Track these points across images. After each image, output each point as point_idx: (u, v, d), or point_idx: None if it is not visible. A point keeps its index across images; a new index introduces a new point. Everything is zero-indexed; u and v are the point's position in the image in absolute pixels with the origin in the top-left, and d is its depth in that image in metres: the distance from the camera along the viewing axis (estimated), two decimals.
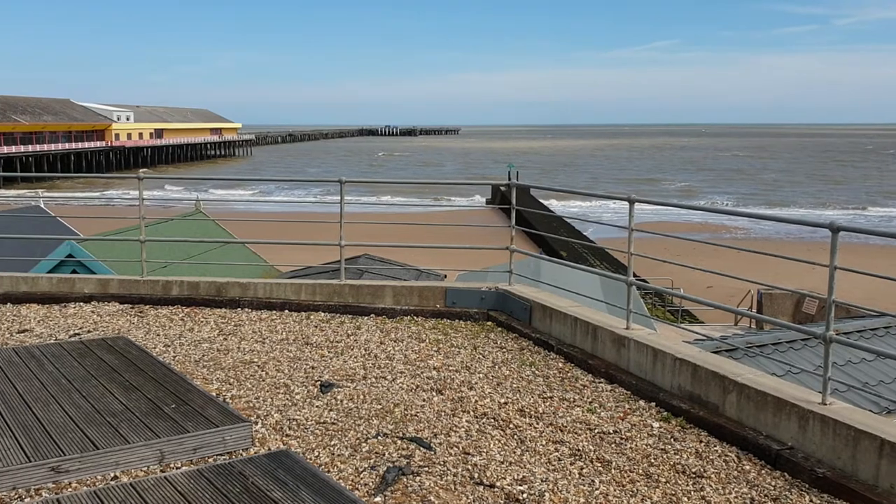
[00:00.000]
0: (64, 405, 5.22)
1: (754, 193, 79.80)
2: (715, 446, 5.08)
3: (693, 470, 4.71)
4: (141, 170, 10.07)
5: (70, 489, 4.25)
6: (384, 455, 4.83)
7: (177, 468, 4.54)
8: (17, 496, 4.19)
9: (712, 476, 4.64)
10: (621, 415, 5.63)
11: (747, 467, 4.76)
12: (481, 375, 6.47)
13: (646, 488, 4.48)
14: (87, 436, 4.69)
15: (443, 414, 5.57)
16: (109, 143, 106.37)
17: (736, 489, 4.47)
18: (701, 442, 5.15)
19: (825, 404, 4.76)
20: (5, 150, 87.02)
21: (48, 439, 4.64)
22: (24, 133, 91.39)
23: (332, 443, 5.03)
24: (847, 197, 77.31)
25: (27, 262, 12.47)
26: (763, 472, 4.71)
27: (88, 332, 7.76)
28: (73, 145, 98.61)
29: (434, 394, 6.00)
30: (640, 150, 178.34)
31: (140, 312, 8.59)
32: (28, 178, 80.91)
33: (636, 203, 6.60)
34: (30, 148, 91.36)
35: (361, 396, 5.91)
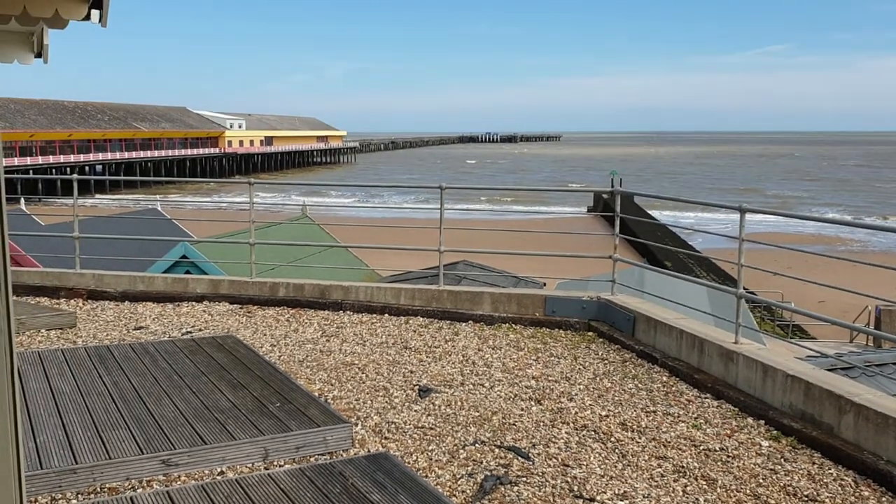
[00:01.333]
0: (175, 400, 5.43)
1: (869, 206, 75.44)
2: (829, 469, 4.81)
3: (805, 493, 4.48)
4: (251, 176, 10.40)
5: (179, 482, 4.40)
6: (482, 463, 4.80)
7: (280, 466, 4.64)
8: (129, 486, 4.37)
9: (826, 501, 4.40)
10: (728, 432, 5.41)
11: (866, 493, 4.49)
12: (582, 387, 6.35)
13: None
14: (196, 431, 4.86)
15: (542, 424, 5.49)
16: (222, 150, 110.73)
17: None
18: (814, 464, 4.89)
19: None
20: (126, 155, 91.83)
21: (160, 433, 4.83)
22: (143, 139, 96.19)
23: (430, 448, 5.04)
24: None
25: (144, 261, 13.10)
26: (884, 499, 4.43)
27: (200, 330, 8.05)
28: (189, 151, 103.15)
29: (533, 403, 5.93)
30: (742, 157, 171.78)
31: (248, 312, 8.86)
32: (147, 182, 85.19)
33: (747, 213, 6.35)
34: (148, 154, 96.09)
35: (459, 403, 5.90)
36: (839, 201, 77.66)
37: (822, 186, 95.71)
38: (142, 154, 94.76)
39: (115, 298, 9.45)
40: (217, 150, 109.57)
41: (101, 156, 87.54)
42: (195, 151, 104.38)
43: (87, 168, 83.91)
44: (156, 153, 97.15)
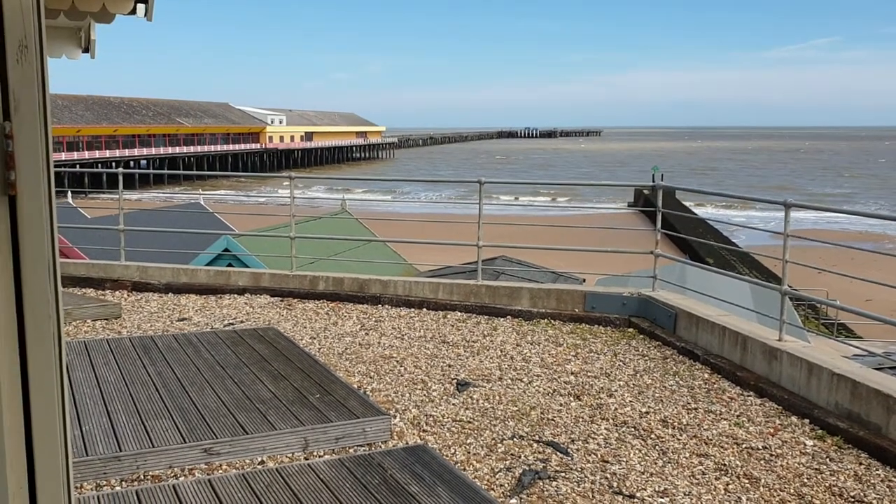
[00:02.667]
0: (217, 390, 5.50)
1: None
2: (877, 470, 4.71)
3: (852, 494, 4.39)
4: (291, 171, 10.48)
5: (220, 471, 4.46)
6: (520, 457, 4.79)
7: (319, 456, 4.68)
8: (172, 474, 4.44)
9: (873, 501, 4.30)
10: (771, 430, 5.32)
11: None
12: (622, 383, 6.30)
13: None
14: (237, 420, 4.92)
15: (580, 420, 5.46)
16: (263, 146, 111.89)
17: None
18: (861, 464, 4.79)
19: None
20: (170, 150, 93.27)
21: (202, 422, 4.90)
22: (186, 135, 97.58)
23: (468, 441, 5.03)
24: None
25: (187, 254, 13.30)
26: None
27: (241, 322, 8.15)
28: (231, 147, 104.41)
29: (572, 399, 5.90)
30: (778, 153, 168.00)
31: (289, 305, 8.95)
32: (189, 176, 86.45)
33: (792, 208, 6.23)
34: (192, 149, 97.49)
35: (497, 397, 5.89)
36: (882, 200, 75.41)
37: (864, 184, 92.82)
38: (185, 149, 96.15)
39: (159, 290, 9.60)
40: (258, 146, 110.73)
41: (145, 151, 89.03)
42: (237, 147, 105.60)
43: (131, 163, 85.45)
44: (198, 148, 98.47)
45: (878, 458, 4.85)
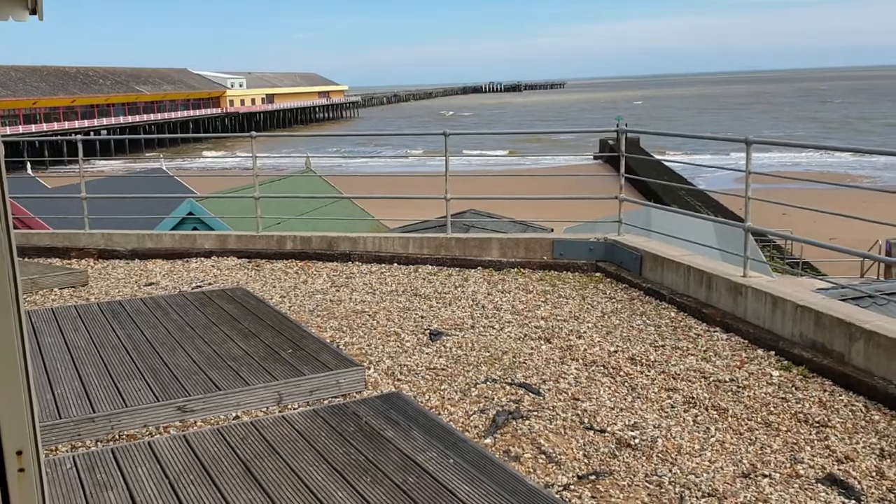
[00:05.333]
0: (188, 350, 5.48)
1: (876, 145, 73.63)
2: (840, 396, 4.84)
3: (816, 419, 4.51)
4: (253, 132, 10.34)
5: (195, 427, 4.47)
6: (493, 399, 4.85)
7: (294, 409, 4.70)
8: (147, 433, 4.44)
9: (837, 426, 4.43)
10: (738, 363, 5.44)
11: (876, 417, 4.52)
12: (590, 325, 6.38)
13: (765, 437, 4.33)
14: (210, 378, 4.92)
15: (551, 361, 5.53)
16: (224, 110, 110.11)
17: (864, 439, 4.26)
18: (825, 391, 4.92)
19: None
20: (130, 119, 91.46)
21: (174, 381, 4.89)
22: (146, 103, 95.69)
23: (443, 387, 5.09)
24: None
25: (152, 219, 13.13)
26: (894, 422, 4.46)
27: (209, 284, 8.10)
28: (191, 113, 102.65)
29: (542, 342, 5.97)
30: (740, 97, 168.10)
31: (257, 266, 8.90)
32: (151, 144, 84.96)
33: (753, 145, 6.29)
34: (151, 116, 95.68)
35: (470, 344, 5.94)
36: (842, 138, 75.61)
37: (825, 127, 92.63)
38: (145, 117, 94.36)
39: (125, 257, 9.49)
40: (219, 111, 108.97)
41: (104, 121, 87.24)
42: (197, 112, 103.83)
43: (91, 133, 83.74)
44: (159, 116, 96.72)
45: (841, 385, 4.98)
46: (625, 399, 4.86)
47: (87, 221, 9.82)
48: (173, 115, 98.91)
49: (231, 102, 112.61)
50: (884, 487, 3.77)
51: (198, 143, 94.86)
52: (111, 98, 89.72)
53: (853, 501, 3.65)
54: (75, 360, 5.30)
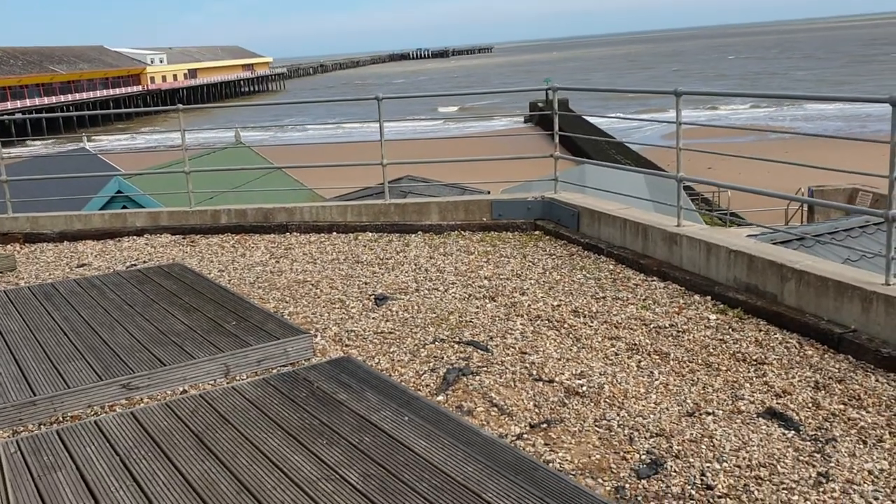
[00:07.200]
0: (128, 328, 5.37)
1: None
2: (775, 334, 5.03)
3: (754, 358, 4.68)
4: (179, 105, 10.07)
5: (142, 404, 4.39)
6: (443, 358, 4.89)
7: (243, 380, 4.65)
8: (92, 413, 4.35)
9: (774, 363, 4.61)
10: (676, 310, 5.60)
11: (810, 352, 4.72)
12: (532, 281, 6.46)
13: (706, 377, 4.48)
14: (154, 354, 4.83)
15: (497, 319, 5.60)
16: (146, 87, 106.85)
17: (799, 373, 4.44)
18: (760, 331, 5.10)
19: (889, 284, 4.67)
20: (46, 100, 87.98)
21: (117, 359, 4.79)
22: (62, 83, 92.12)
23: (392, 350, 5.10)
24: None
25: (78, 200, 12.71)
26: (826, 356, 4.66)
27: (144, 262, 7.91)
28: (111, 91, 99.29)
29: (487, 301, 6.03)
30: (660, 56, 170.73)
31: (192, 242, 8.73)
32: (70, 123, 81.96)
33: (683, 96, 6.41)
34: (69, 97, 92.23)
35: (416, 307, 5.96)
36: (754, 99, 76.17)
37: (736, 85, 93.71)
38: (62, 98, 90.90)
39: (53, 239, 9.20)
40: (140, 88, 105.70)
41: (18, 103, 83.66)
42: (117, 91, 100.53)
43: (4, 118, 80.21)
44: (77, 96, 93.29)
45: (775, 324, 5.17)
46: (570, 350, 4.95)
47: (9, 205, 9.46)
48: (92, 94, 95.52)
49: (152, 79, 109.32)
50: (820, 417, 3.94)
51: (120, 120, 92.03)
52: (24, 79, 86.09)
53: (792, 432, 3.81)
54: (10, 345, 5.14)
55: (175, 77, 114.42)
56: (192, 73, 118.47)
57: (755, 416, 3.99)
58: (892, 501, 3.21)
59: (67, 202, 10.65)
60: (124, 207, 12.23)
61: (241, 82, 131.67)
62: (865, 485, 3.34)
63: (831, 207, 17.05)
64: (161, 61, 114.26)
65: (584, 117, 46.77)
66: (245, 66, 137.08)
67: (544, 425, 3.98)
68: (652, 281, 6.29)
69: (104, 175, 13.98)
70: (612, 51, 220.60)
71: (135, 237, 9.07)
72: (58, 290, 6.43)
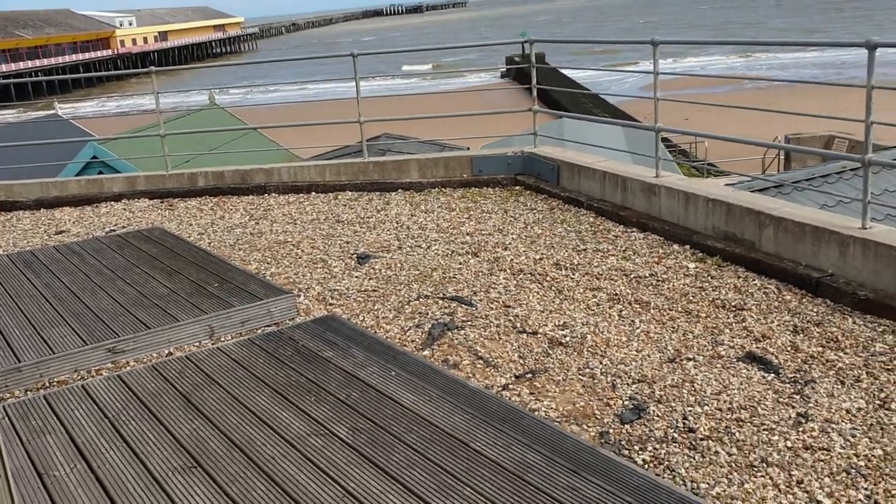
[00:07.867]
0: (111, 293, 5.35)
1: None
2: (753, 280, 5.10)
3: (733, 304, 4.76)
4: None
5: (128, 367, 4.40)
6: (427, 314, 4.93)
7: (227, 341, 4.67)
8: (78, 378, 4.35)
9: (753, 308, 4.68)
10: (656, 259, 5.66)
11: (788, 297, 4.80)
12: (514, 236, 6.49)
13: (686, 324, 4.55)
14: (137, 318, 4.83)
15: (480, 274, 5.63)
16: (115, 51, 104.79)
17: (778, 318, 4.52)
18: (739, 278, 5.18)
19: (865, 228, 4.74)
20: (13, 67, 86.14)
21: (101, 324, 4.78)
22: (28, 48, 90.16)
23: (376, 307, 5.13)
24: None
25: (53, 167, 12.54)
26: (804, 300, 4.74)
27: (123, 227, 7.86)
28: (80, 56, 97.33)
29: (470, 257, 6.05)
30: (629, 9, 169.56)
31: (170, 206, 8.66)
32: (40, 89, 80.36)
33: (660, 45, 6.39)
34: (37, 63, 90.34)
35: (399, 264, 5.98)
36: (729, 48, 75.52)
37: (712, 35, 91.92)
38: (29, 64, 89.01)
39: (29, 207, 9.09)
40: (109, 52, 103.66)
41: None
42: (86, 56, 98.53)
43: None
44: (44, 61, 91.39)
45: (753, 271, 5.25)
46: (553, 302, 5.00)
47: None
48: (60, 59, 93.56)
49: (122, 43, 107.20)
50: (798, 360, 4.03)
51: (91, 85, 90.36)
52: None
53: (772, 374, 3.89)
54: None
55: (145, 40, 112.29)
56: (163, 36, 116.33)
57: (735, 360, 4.07)
58: (870, 438, 3.31)
59: (41, 169, 10.51)
60: (100, 173, 12.09)
61: (213, 43, 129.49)
62: (843, 423, 3.43)
63: (808, 153, 17.17)
64: (130, 24, 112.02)
65: (560, 70, 46.49)
66: (216, 26, 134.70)
67: (529, 375, 4.04)
68: (632, 232, 6.34)
69: (78, 140, 13.78)
70: (585, 3, 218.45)
71: (112, 202, 8.99)
72: (37, 258, 6.38)
